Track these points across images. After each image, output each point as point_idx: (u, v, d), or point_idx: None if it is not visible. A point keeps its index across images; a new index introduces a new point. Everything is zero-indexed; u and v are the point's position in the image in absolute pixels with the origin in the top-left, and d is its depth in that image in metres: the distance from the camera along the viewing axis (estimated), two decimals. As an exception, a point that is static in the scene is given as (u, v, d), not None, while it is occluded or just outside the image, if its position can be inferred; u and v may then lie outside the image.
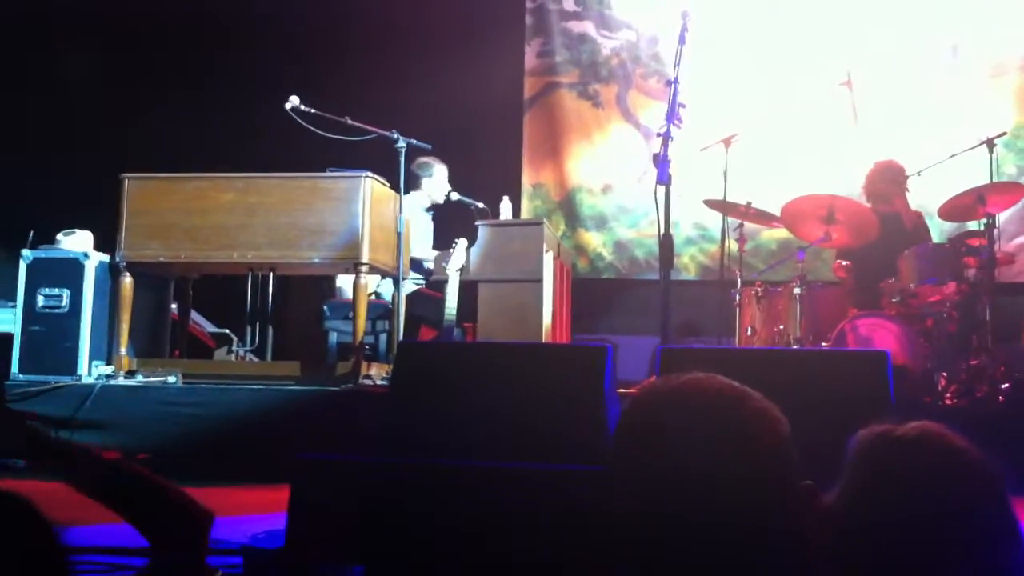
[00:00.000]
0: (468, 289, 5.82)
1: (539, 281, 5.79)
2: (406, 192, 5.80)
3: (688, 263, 8.26)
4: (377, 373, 5.52)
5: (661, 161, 4.41)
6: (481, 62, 8.14)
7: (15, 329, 5.64)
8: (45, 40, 8.07)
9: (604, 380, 3.19)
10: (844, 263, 6.14)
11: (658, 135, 4.55)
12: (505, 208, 6.39)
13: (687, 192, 6.30)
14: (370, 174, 5.50)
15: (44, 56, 7.97)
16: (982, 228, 5.69)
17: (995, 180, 6.09)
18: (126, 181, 5.66)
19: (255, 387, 5.35)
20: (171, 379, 5.50)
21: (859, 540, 1.44)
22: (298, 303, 7.50)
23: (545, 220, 6.36)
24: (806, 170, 7.69)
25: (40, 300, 5.60)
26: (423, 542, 2.57)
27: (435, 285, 6.19)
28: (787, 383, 2.56)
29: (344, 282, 6.35)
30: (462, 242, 5.81)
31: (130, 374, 5.57)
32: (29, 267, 5.65)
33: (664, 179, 4.41)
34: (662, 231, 4.46)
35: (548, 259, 5.90)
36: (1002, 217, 6.57)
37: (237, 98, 7.85)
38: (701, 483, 1.21)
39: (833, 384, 3.28)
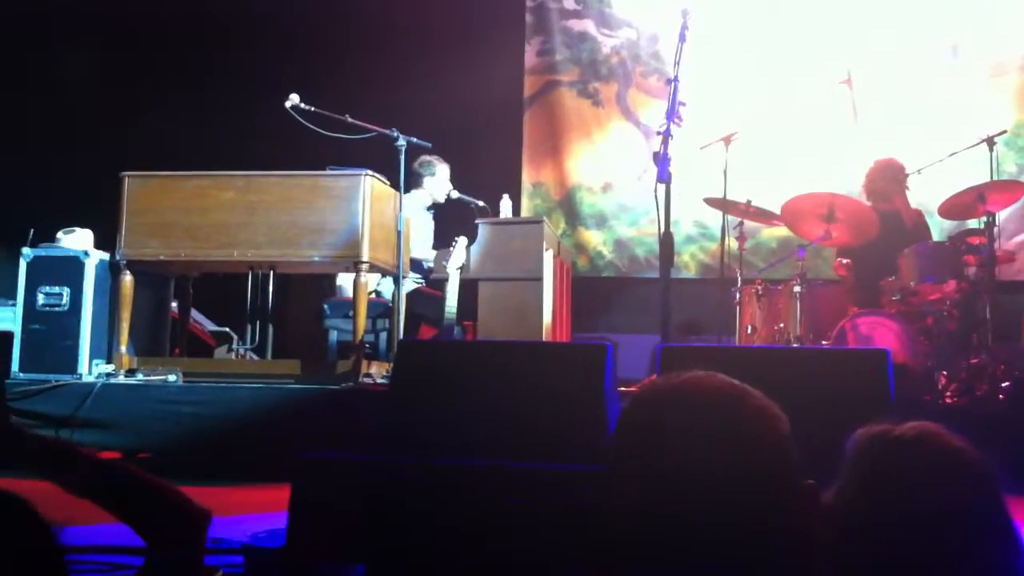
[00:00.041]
0: (468, 287, 5.82)
1: (539, 279, 5.79)
2: (407, 191, 5.80)
3: (688, 261, 8.26)
4: (377, 371, 5.53)
5: (661, 159, 4.41)
6: (481, 61, 8.15)
7: (15, 328, 5.64)
8: (45, 40, 8.07)
9: (604, 379, 3.19)
10: (844, 261, 6.14)
11: (658, 133, 4.56)
12: (505, 206, 6.38)
13: (687, 190, 6.30)
14: (370, 172, 5.50)
15: (44, 56, 7.97)
16: (982, 226, 5.69)
17: (995, 178, 6.08)
18: (126, 179, 5.66)
19: (255, 386, 5.35)
20: (171, 378, 5.50)
21: (857, 539, 1.44)
22: (298, 301, 7.50)
23: (545, 218, 6.36)
24: (806, 168, 7.69)
25: (40, 298, 5.60)
26: (424, 541, 2.57)
27: (435, 283, 6.18)
28: (787, 381, 2.55)
29: (344, 280, 6.35)
30: (462, 240, 5.81)
31: (130, 373, 5.58)
32: (29, 265, 5.65)
33: (664, 177, 4.42)
34: (662, 229, 4.47)
35: (548, 257, 5.90)
36: (1002, 215, 6.57)
37: (237, 98, 7.86)
38: (701, 482, 1.21)
39: (833, 382, 3.27)
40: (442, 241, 6.27)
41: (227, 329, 7.46)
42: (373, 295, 6.10)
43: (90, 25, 8.08)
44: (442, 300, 5.82)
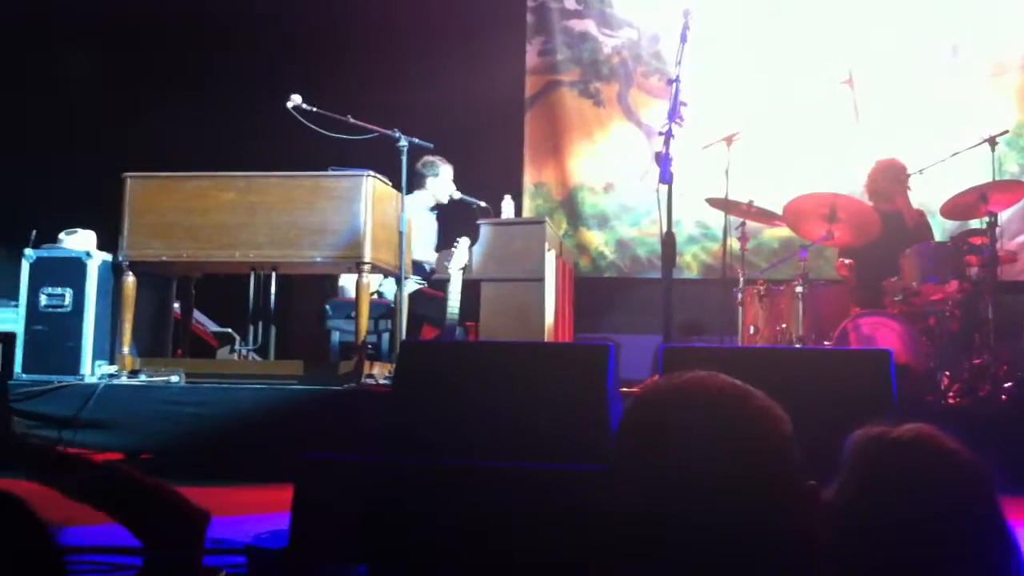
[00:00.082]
0: (470, 288, 5.82)
1: (541, 280, 5.79)
2: (410, 192, 5.80)
3: (690, 262, 8.26)
4: (380, 372, 5.53)
5: (663, 160, 4.41)
6: (482, 61, 8.15)
7: (18, 329, 5.64)
8: (45, 40, 8.06)
9: (606, 379, 3.19)
10: (846, 261, 6.14)
11: (660, 133, 4.56)
12: (507, 207, 6.39)
13: (689, 190, 6.29)
14: (372, 173, 5.49)
15: (44, 56, 7.97)
16: (984, 226, 5.69)
17: (997, 178, 6.08)
18: (128, 180, 5.66)
19: (258, 386, 5.35)
20: (174, 378, 5.50)
21: (855, 540, 1.45)
22: (300, 302, 7.50)
23: (547, 219, 6.36)
24: (808, 168, 7.69)
25: (43, 299, 5.60)
26: (426, 541, 2.57)
27: (437, 284, 6.18)
28: (789, 382, 2.56)
29: (346, 281, 6.35)
30: (464, 241, 5.81)
31: (133, 373, 5.57)
32: (32, 266, 5.65)
33: (666, 177, 4.42)
34: (664, 230, 4.47)
35: (550, 258, 5.90)
36: (1004, 215, 6.57)
37: (238, 98, 7.86)
38: (703, 482, 1.21)
39: (835, 383, 3.27)
40: (444, 242, 6.26)
41: (229, 330, 7.46)
42: (375, 296, 6.10)
43: (90, 25, 8.08)
44: (444, 301, 5.82)
